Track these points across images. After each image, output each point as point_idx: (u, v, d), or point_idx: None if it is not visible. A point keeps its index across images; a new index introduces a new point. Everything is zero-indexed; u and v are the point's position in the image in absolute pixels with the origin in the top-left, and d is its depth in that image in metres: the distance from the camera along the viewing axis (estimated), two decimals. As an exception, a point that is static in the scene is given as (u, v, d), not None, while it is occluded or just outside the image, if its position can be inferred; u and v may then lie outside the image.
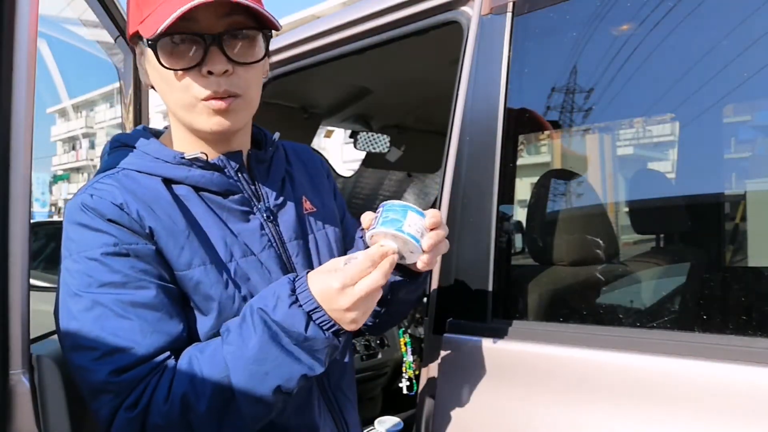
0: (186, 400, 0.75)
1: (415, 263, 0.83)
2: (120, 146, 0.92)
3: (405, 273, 0.93)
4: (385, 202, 0.84)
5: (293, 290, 0.76)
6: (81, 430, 1.09)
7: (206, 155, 0.89)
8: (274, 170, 0.98)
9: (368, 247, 0.82)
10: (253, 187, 0.93)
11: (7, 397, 0.84)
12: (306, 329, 0.75)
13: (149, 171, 0.87)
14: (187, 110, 0.85)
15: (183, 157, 0.88)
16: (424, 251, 0.81)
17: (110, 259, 0.79)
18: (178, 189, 0.87)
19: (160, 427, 0.75)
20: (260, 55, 0.87)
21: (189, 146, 0.91)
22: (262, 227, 0.91)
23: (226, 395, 0.75)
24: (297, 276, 0.79)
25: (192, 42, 0.82)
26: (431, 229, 0.82)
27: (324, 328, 0.75)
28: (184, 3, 0.77)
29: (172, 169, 0.87)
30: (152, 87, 0.92)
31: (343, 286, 0.74)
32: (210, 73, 0.82)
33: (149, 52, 0.84)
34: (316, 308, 0.75)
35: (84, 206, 0.81)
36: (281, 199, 0.96)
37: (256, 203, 0.92)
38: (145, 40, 0.83)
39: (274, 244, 0.92)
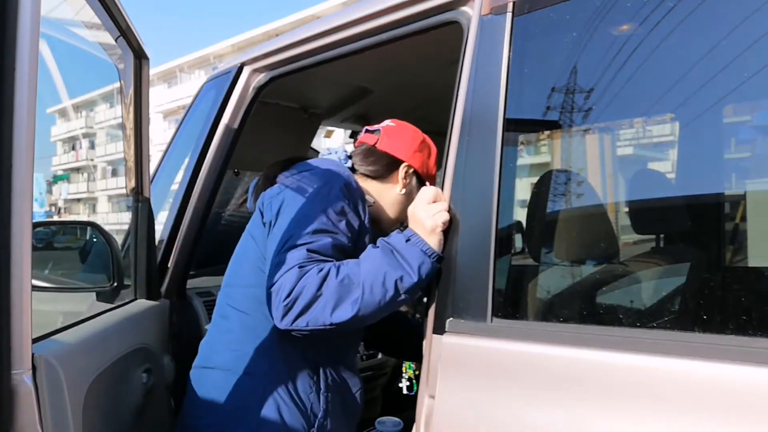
0: (336, 273, 1.21)
1: None
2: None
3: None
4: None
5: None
6: (83, 429, 1.09)
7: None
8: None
9: None
10: None
11: (9, 396, 0.84)
12: (406, 241, 1.23)
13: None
14: (392, 218, 1.55)
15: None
16: None
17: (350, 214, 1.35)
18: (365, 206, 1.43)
19: (305, 286, 1.19)
20: None
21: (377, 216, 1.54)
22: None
23: (356, 279, 1.21)
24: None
25: None
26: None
27: (417, 245, 1.21)
28: None
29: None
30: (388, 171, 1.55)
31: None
32: None
33: (419, 184, 1.55)
34: (412, 234, 1.23)
35: (350, 183, 1.38)
36: None
37: None
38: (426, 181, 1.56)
39: None
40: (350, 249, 1.32)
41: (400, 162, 1.52)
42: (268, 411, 1.32)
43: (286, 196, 1.36)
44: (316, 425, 1.37)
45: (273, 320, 1.22)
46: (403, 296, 1.21)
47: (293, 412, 1.34)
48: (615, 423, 0.88)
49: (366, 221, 1.39)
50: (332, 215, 1.30)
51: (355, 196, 1.36)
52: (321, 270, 1.20)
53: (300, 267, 1.20)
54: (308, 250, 1.23)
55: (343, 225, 1.31)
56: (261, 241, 1.39)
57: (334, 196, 1.32)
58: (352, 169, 1.53)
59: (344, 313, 1.18)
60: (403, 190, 1.53)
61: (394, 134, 1.56)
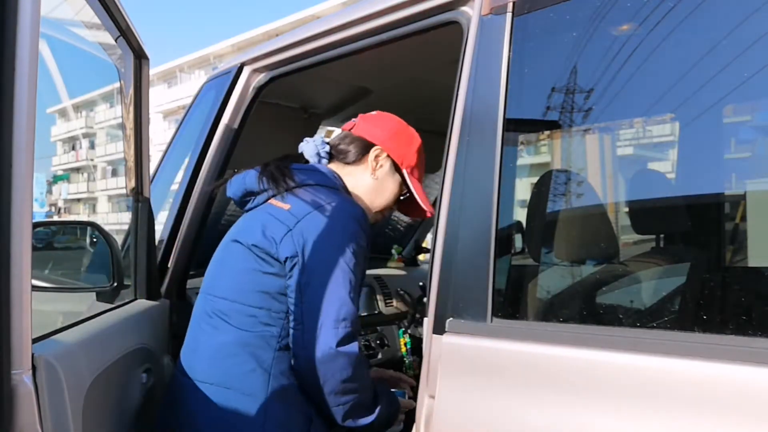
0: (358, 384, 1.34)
1: None
2: (334, 178, 1.49)
3: None
4: None
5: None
6: (82, 430, 1.09)
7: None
8: None
9: None
10: None
11: (9, 397, 0.84)
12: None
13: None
14: (373, 208, 1.53)
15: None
16: None
17: (362, 255, 1.37)
18: None
19: (359, 374, 1.33)
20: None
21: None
22: None
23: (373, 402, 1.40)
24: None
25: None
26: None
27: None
28: (429, 207, 1.53)
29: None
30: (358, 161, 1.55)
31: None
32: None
33: (398, 185, 1.55)
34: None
35: (362, 220, 1.39)
36: None
37: None
38: (410, 187, 1.54)
39: None
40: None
41: (373, 146, 1.53)
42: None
43: (307, 231, 1.34)
44: None
45: (311, 377, 1.30)
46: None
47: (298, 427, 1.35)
48: (615, 423, 0.88)
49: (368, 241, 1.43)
50: (355, 266, 1.33)
51: (364, 230, 1.38)
52: (367, 371, 1.37)
53: (357, 356, 1.31)
54: (354, 312, 1.31)
55: (359, 269, 1.36)
56: (266, 262, 1.36)
57: (355, 242, 1.35)
58: (330, 156, 1.55)
59: (364, 421, 1.37)
60: (374, 175, 1.52)
61: (371, 119, 1.57)
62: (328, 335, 1.27)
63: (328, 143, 1.58)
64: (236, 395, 1.32)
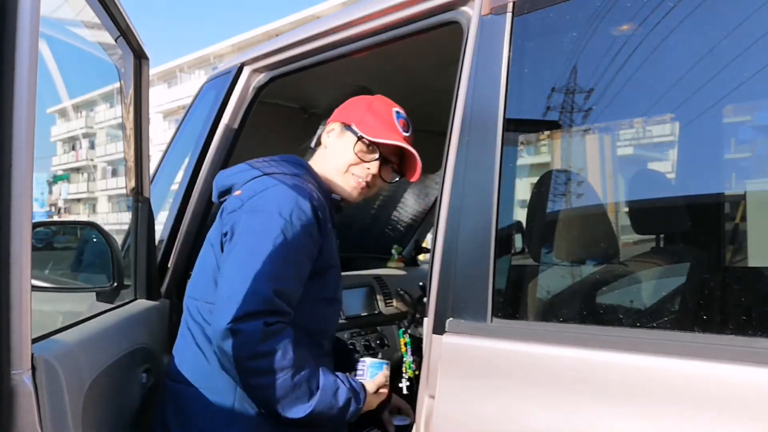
0: (292, 364, 1.25)
1: None
2: (296, 163, 1.48)
3: None
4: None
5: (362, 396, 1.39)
6: (82, 430, 1.09)
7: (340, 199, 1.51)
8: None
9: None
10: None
11: (8, 397, 0.84)
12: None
13: (320, 192, 1.43)
14: (340, 175, 1.48)
15: (330, 194, 1.48)
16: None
17: (305, 233, 1.31)
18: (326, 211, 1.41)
19: (267, 353, 1.22)
20: (393, 181, 1.55)
21: (327, 186, 1.50)
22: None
23: (306, 390, 1.27)
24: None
25: (376, 153, 1.47)
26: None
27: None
28: (398, 140, 1.45)
29: (328, 197, 1.47)
30: (319, 144, 1.55)
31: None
32: (371, 172, 1.48)
33: (352, 138, 1.46)
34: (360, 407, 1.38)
35: (307, 196, 1.34)
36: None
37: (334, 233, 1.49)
38: (357, 132, 1.46)
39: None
40: (310, 269, 1.35)
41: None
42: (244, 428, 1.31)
43: (241, 218, 1.33)
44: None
45: (221, 356, 1.25)
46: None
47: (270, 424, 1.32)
48: (615, 423, 0.88)
49: (326, 229, 1.38)
50: (283, 245, 1.28)
51: (308, 214, 1.32)
52: (287, 354, 1.24)
53: (266, 325, 1.22)
54: (274, 292, 1.24)
55: (301, 255, 1.32)
56: (218, 252, 1.38)
57: (288, 224, 1.29)
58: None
59: (294, 413, 1.26)
60: (326, 145, 1.52)
61: (339, 107, 1.57)
62: (223, 312, 1.22)
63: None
64: (203, 393, 1.32)
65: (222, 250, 1.37)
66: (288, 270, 1.29)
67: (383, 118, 1.48)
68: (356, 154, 1.46)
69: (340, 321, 2.37)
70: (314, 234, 1.34)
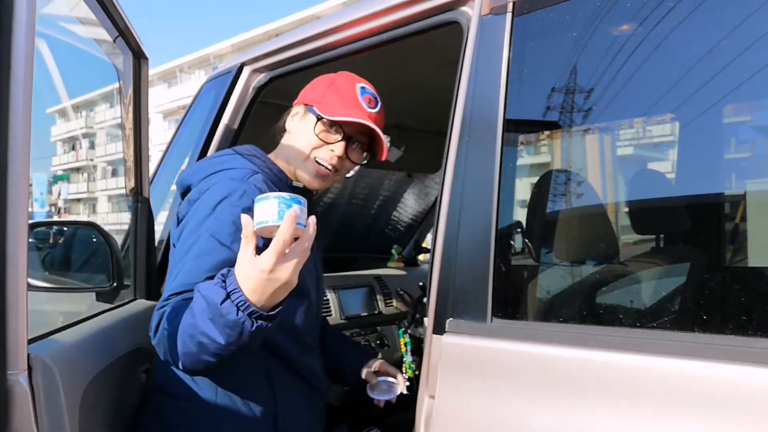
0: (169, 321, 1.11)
1: None
2: (250, 155, 1.37)
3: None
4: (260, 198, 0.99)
5: (224, 281, 1.02)
6: (79, 431, 1.08)
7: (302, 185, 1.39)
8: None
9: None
10: None
11: (4, 397, 0.84)
12: (221, 303, 0.99)
13: (275, 182, 1.35)
14: (303, 161, 1.37)
15: (290, 182, 1.39)
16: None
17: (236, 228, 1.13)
18: None
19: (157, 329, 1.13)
20: (362, 162, 1.43)
21: (288, 174, 1.40)
22: None
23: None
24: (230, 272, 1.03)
25: (339, 133, 1.36)
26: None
27: (240, 308, 0.99)
28: (361, 117, 1.32)
29: (285, 187, 1.37)
30: (284, 130, 1.44)
31: (260, 263, 0.97)
32: (336, 154, 1.35)
33: (313, 119, 1.36)
34: (235, 289, 0.99)
35: (243, 190, 1.22)
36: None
37: None
38: (317, 113, 1.35)
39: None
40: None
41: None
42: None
43: (187, 216, 1.27)
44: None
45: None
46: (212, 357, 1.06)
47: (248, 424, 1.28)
48: (615, 423, 0.87)
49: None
50: (218, 232, 1.18)
51: (235, 199, 1.21)
52: (161, 318, 1.13)
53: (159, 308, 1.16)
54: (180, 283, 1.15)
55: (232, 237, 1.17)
56: None
57: (216, 220, 1.20)
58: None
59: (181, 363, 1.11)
60: (289, 130, 1.43)
61: (305, 88, 1.47)
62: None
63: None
64: (175, 402, 1.28)
65: None
66: (200, 263, 1.15)
67: (345, 95, 1.37)
68: (317, 136, 1.35)
69: (340, 321, 2.37)
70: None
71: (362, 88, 1.39)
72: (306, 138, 1.36)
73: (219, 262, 1.14)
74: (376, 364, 1.64)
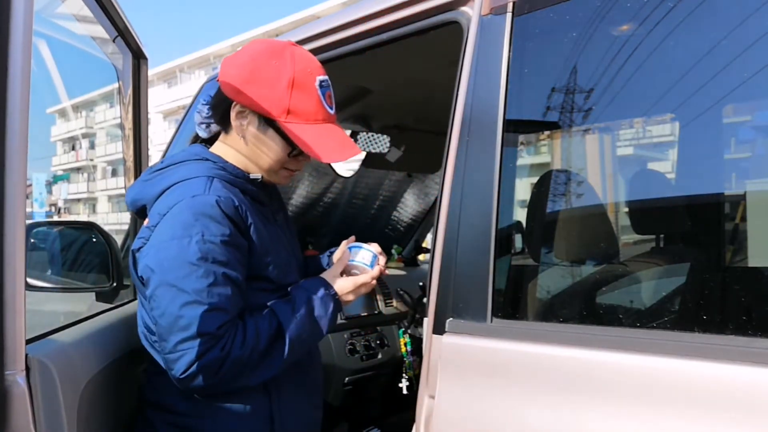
0: (253, 343, 1.15)
1: None
2: (200, 159, 1.25)
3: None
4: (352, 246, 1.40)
5: (327, 286, 1.29)
6: (76, 431, 1.08)
7: (261, 177, 1.29)
8: (273, 192, 1.42)
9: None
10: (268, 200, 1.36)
11: (2, 397, 0.84)
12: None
13: (233, 182, 1.24)
14: (272, 171, 1.29)
15: (248, 176, 1.27)
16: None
17: (225, 245, 1.14)
18: (245, 197, 1.24)
19: (237, 360, 1.12)
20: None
21: (244, 168, 1.29)
22: (280, 226, 1.37)
23: (276, 341, 1.18)
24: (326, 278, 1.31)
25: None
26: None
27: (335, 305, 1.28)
28: (332, 132, 1.26)
29: (244, 183, 1.26)
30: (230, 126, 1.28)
31: (354, 284, 1.32)
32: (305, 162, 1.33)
33: (281, 141, 1.25)
34: (335, 294, 1.29)
35: (214, 203, 1.15)
36: (280, 212, 1.42)
37: (271, 210, 1.36)
38: (289, 135, 1.22)
39: (284, 235, 1.37)
40: (242, 261, 1.18)
41: (231, 103, 1.24)
42: None
43: (150, 246, 1.16)
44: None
45: (170, 373, 1.13)
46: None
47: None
48: (615, 423, 0.87)
49: (247, 225, 1.20)
50: (201, 260, 1.11)
51: (218, 224, 1.14)
52: (243, 345, 1.13)
53: (221, 350, 1.11)
54: (216, 327, 1.10)
55: (210, 261, 1.12)
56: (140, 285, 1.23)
57: (194, 236, 1.12)
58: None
59: (267, 373, 1.20)
60: (244, 139, 1.25)
61: (229, 61, 1.27)
62: (175, 364, 1.11)
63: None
64: (170, 416, 1.24)
65: (142, 284, 1.19)
66: (216, 281, 1.12)
67: (312, 102, 1.22)
68: (293, 157, 1.27)
69: (340, 321, 2.37)
70: (233, 239, 1.15)
71: (320, 83, 1.24)
72: (276, 155, 1.25)
73: (233, 287, 1.15)
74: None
